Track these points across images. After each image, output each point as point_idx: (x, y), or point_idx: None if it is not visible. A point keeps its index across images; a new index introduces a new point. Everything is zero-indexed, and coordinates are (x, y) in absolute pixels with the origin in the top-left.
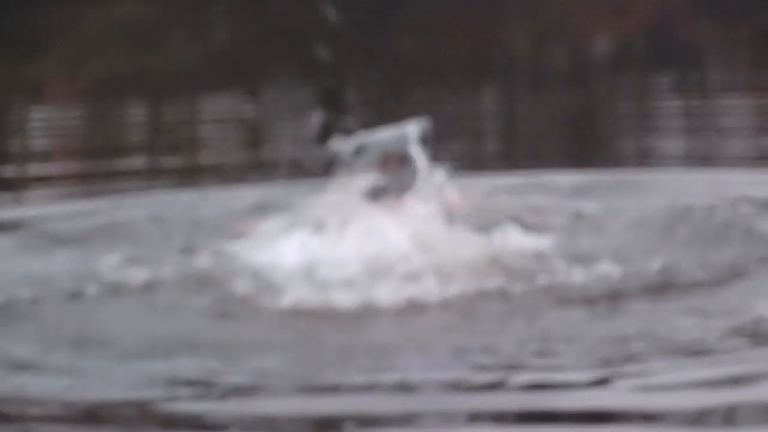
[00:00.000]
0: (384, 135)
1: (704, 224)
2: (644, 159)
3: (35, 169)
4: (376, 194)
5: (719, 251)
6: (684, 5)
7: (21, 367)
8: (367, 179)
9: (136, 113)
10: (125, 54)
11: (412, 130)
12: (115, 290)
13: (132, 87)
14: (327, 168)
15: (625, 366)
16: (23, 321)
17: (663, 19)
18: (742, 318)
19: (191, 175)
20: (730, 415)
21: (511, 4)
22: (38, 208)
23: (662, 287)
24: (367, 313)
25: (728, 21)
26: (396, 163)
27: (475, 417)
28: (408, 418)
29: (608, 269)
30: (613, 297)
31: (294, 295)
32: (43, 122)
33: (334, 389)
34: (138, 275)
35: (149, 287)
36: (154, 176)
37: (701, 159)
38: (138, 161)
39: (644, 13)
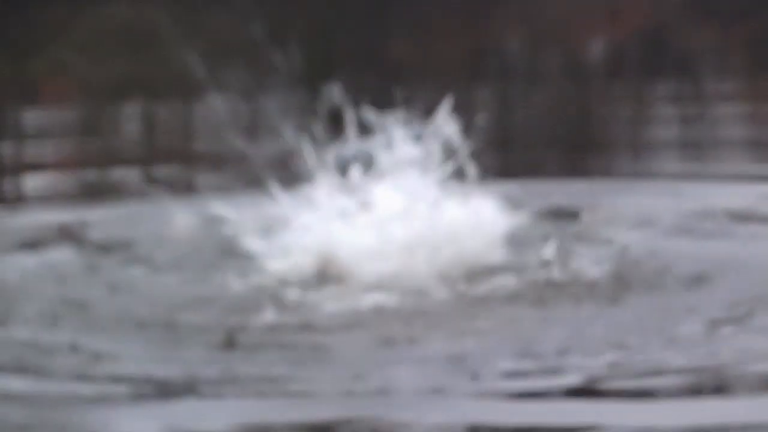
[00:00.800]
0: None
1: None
2: (635, 167)
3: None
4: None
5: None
6: (680, 8)
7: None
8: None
9: (134, 116)
10: (122, 55)
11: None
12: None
13: (126, 89)
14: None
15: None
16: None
17: (658, 23)
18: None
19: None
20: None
21: (504, 8)
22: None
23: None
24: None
25: (725, 24)
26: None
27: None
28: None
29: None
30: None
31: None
32: (38, 125)
33: None
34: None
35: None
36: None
37: (691, 168)
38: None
39: (640, 17)
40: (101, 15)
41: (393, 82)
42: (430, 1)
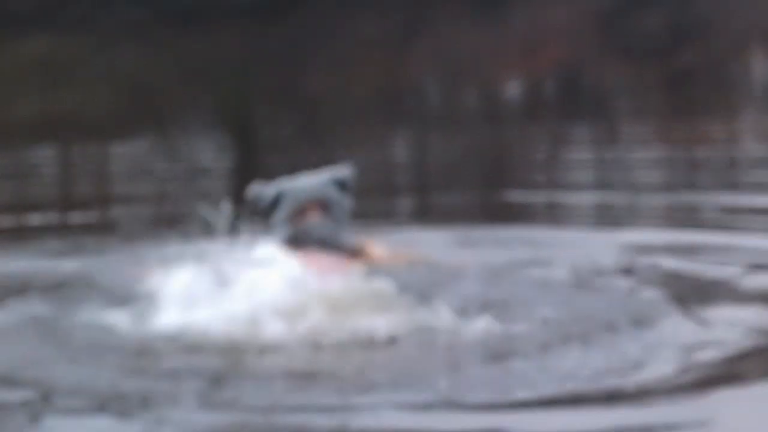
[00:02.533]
0: (305, 181)
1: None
2: (548, 211)
3: None
4: (294, 242)
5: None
6: (596, 46)
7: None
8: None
9: (45, 160)
10: (34, 94)
11: (334, 176)
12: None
13: (41, 130)
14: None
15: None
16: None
17: (575, 60)
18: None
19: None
20: None
21: (420, 45)
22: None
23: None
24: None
25: (641, 62)
26: (316, 210)
27: None
28: None
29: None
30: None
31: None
32: None
33: None
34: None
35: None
36: (62, 232)
37: (601, 214)
38: (49, 215)
39: (556, 54)
40: (16, 52)
41: (309, 118)
42: (347, 39)
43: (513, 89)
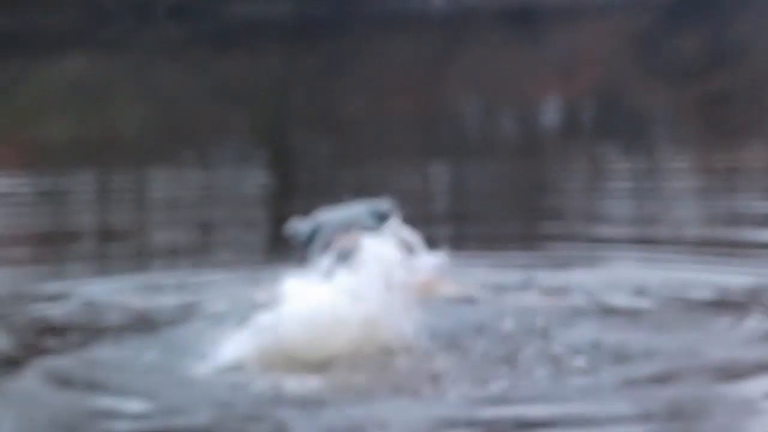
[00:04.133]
0: (343, 212)
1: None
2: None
3: None
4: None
5: None
6: (632, 69)
7: None
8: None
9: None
10: (70, 114)
11: (373, 208)
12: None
13: (77, 151)
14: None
15: None
16: None
17: (611, 83)
18: None
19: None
20: None
21: (457, 68)
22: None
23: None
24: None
25: (677, 85)
26: (354, 237)
27: None
28: None
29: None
30: None
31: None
32: None
33: None
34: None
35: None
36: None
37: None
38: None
39: (592, 77)
40: (53, 72)
41: (345, 141)
42: (384, 62)
43: (550, 113)
